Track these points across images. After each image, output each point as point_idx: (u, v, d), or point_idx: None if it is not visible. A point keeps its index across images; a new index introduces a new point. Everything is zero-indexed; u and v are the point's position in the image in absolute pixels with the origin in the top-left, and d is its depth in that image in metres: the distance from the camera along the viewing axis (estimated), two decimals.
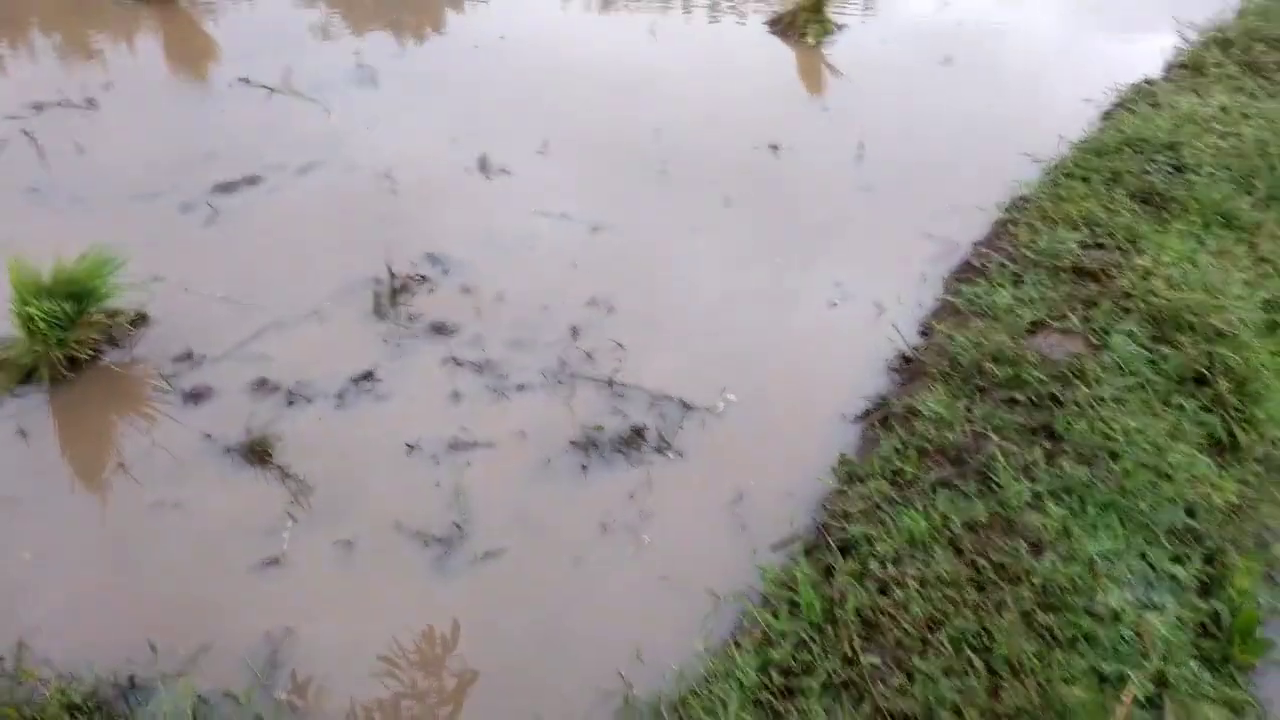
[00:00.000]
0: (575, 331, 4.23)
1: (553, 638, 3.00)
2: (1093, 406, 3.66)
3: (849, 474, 3.55)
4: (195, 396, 3.76)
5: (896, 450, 3.57)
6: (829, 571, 3.08)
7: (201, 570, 3.13)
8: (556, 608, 3.09)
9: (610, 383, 3.90)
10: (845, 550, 3.16)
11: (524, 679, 2.90)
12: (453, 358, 4.02)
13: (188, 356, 3.94)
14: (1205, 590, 3.12)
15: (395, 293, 4.36)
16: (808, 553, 3.21)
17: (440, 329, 4.22)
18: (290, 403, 3.72)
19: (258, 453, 3.53)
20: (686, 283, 4.66)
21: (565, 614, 3.07)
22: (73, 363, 3.84)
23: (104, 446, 3.65)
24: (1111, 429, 3.55)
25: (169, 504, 3.35)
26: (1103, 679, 2.73)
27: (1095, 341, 4.08)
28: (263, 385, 3.84)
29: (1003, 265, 4.74)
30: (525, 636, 3.01)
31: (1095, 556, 3.07)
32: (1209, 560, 3.21)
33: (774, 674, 2.70)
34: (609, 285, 4.58)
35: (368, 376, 3.87)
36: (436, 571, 3.17)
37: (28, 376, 3.80)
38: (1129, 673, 2.72)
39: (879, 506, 3.30)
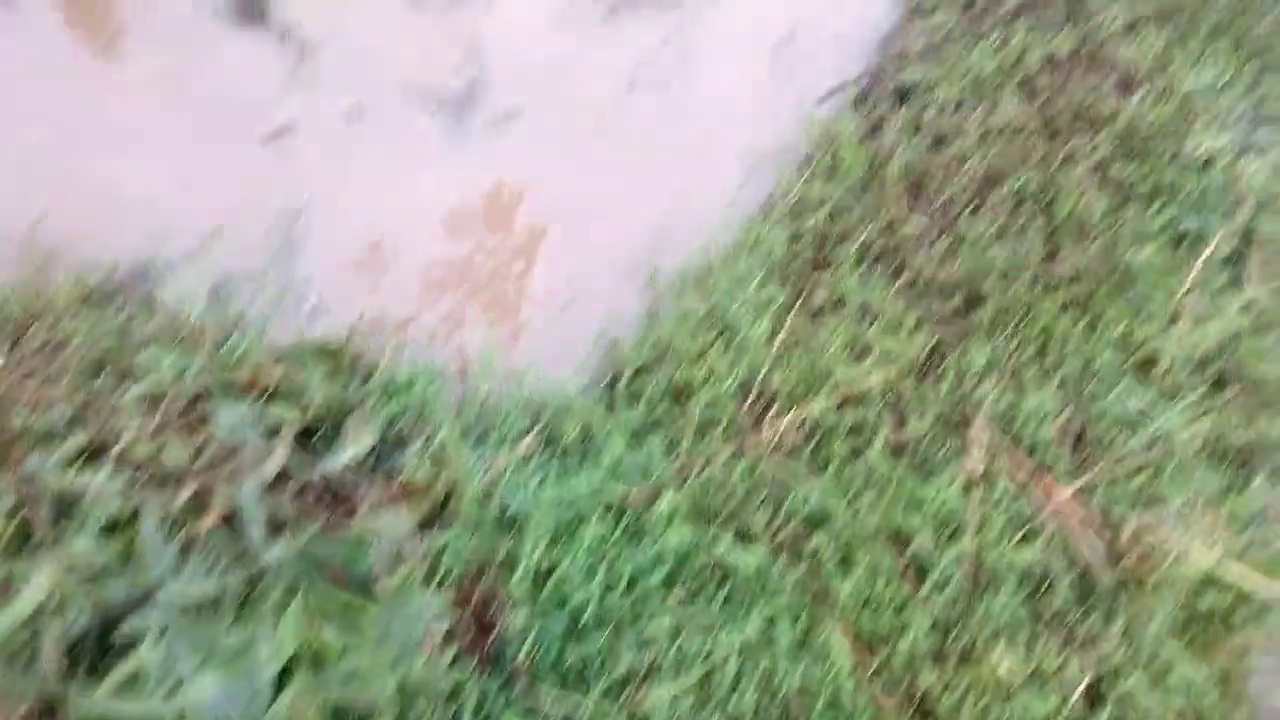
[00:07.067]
0: None
1: (574, 205, 2.77)
2: None
3: (917, 4, 3.08)
4: None
5: None
6: (878, 120, 2.74)
7: (208, 147, 2.96)
8: (580, 175, 2.85)
9: None
10: (901, 99, 2.79)
11: (545, 257, 2.69)
12: None
13: None
14: None
15: None
16: (860, 103, 2.85)
17: None
18: None
19: (253, 10, 3.14)
20: None
21: (589, 181, 2.83)
22: None
23: (89, 13, 3.31)
24: None
25: (166, 76, 3.11)
26: (1180, 238, 2.40)
27: None
28: None
29: None
30: (545, 207, 2.79)
31: (1194, 92, 2.66)
32: None
33: (807, 243, 2.44)
34: None
35: None
36: (451, 138, 2.93)
37: None
38: (1211, 229, 2.38)
39: (946, 42, 2.89)
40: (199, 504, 1.86)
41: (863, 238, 2.42)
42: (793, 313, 2.24)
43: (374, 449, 2.01)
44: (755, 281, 2.33)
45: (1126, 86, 2.70)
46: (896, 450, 1.98)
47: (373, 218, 2.77)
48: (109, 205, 2.82)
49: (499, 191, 2.84)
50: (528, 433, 2.06)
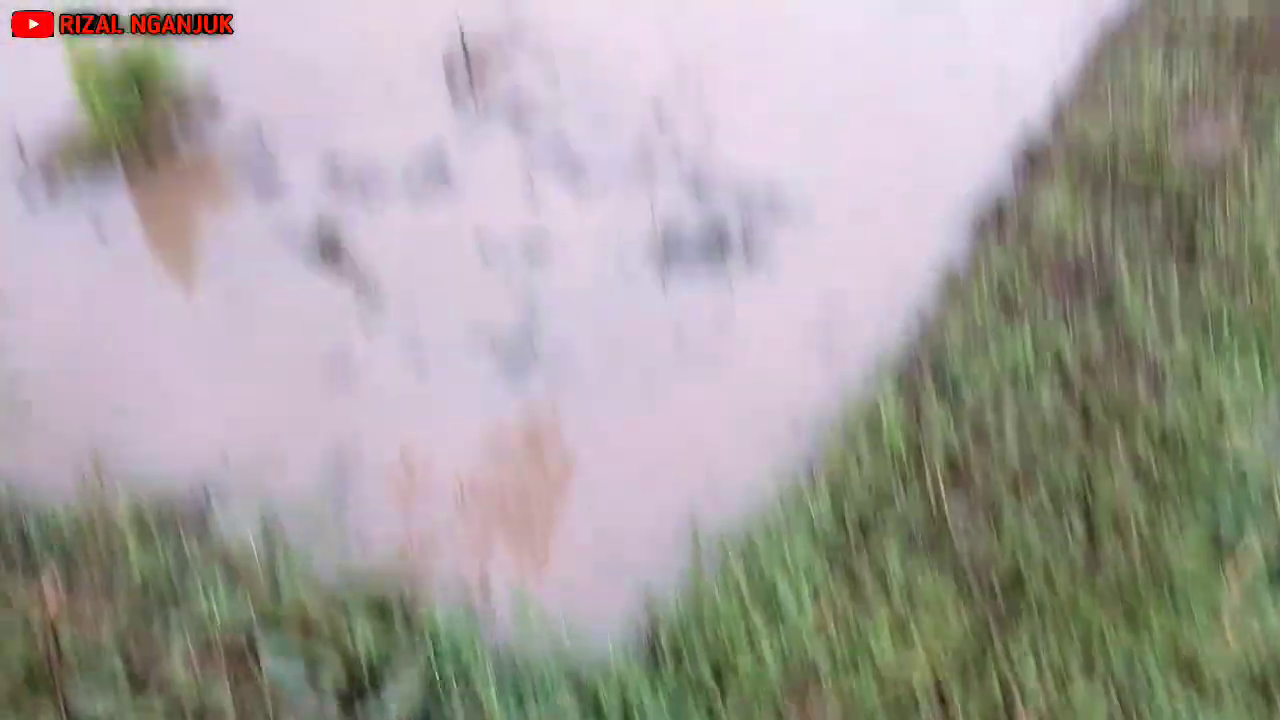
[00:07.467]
0: (659, 107, 3.83)
1: (621, 460, 2.81)
2: (1243, 220, 3.22)
3: (952, 290, 3.21)
4: (267, 188, 3.58)
5: (1007, 265, 3.17)
6: (918, 403, 2.76)
7: (273, 375, 3.10)
8: (627, 429, 2.90)
9: (695, 179, 3.64)
10: (939, 380, 2.83)
11: (586, 505, 2.75)
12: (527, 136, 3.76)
13: (258, 142, 3.74)
14: None
15: (469, 64, 3.99)
16: (898, 380, 2.89)
17: (516, 108, 3.87)
18: (362, 196, 3.54)
19: (329, 250, 3.38)
20: (783, 51, 4.11)
21: (628, 431, 2.89)
22: (147, 156, 3.67)
23: (177, 243, 3.64)
24: (1262, 245, 3.12)
25: (241, 306, 3.29)
26: (1218, 538, 2.44)
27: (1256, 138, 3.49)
28: (335, 177, 3.61)
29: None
30: (592, 457, 2.84)
31: (1227, 397, 2.74)
32: None
33: (850, 519, 2.44)
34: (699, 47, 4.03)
35: (441, 167, 3.66)
36: (502, 378, 3.08)
37: (100, 165, 3.61)
38: (1251, 536, 2.40)
39: (982, 330, 2.96)
40: None
41: (905, 517, 2.47)
42: (835, 589, 2.27)
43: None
44: (799, 554, 2.38)
45: (1160, 386, 2.83)
46: None
47: (420, 445, 2.88)
48: (168, 422, 2.95)
49: (539, 427, 2.98)
50: (565, 692, 2.06)
